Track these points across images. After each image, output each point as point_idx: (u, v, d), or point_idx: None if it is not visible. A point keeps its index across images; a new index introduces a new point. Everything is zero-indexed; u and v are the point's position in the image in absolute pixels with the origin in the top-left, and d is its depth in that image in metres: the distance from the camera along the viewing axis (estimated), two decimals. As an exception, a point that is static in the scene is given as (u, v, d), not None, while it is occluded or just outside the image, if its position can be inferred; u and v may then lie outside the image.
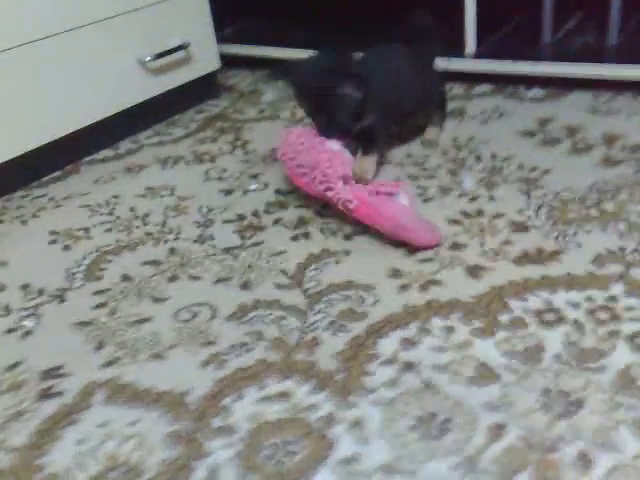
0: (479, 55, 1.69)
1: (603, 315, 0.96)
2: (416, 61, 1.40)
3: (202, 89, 1.87)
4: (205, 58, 1.80)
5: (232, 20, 2.13)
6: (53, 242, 1.33)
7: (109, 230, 1.35)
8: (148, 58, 1.65)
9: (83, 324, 1.10)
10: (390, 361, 0.94)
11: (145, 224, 1.35)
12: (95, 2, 1.55)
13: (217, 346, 1.01)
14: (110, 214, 1.40)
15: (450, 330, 0.98)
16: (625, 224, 1.14)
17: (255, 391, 0.92)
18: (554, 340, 0.93)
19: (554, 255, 1.10)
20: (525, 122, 1.53)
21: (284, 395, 0.91)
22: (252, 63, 2.05)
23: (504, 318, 0.98)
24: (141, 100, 1.69)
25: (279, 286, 1.12)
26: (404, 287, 1.07)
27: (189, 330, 1.05)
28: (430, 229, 1.16)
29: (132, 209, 1.41)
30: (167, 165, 1.57)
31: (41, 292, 1.19)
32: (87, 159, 1.65)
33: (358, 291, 1.08)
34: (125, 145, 1.70)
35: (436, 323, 0.99)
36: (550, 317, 0.97)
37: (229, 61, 1.99)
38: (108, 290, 1.17)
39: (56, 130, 1.54)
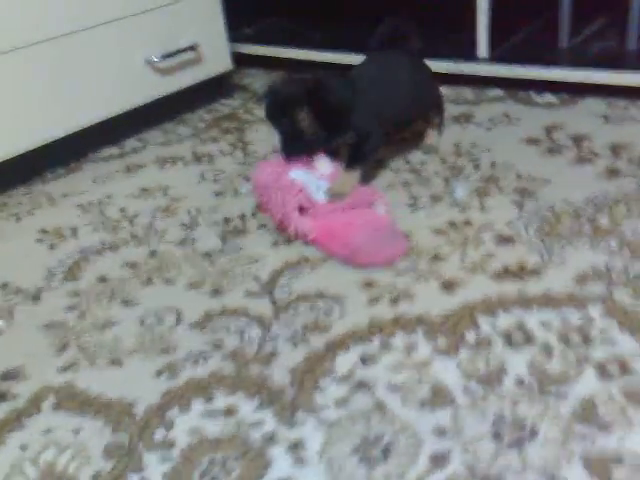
0: (492, 59, 1.62)
1: (575, 338, 0.90)
2: (411, 67, 1.35)
3: (215, 89, 1.85)
4: (217, 59, 1.79)
5: (253, 19, 2.11)
6: (40, 241, 1.33)
7: (96, 230, 1.34)
8: (155, 58, 1.64)
9: (52, 325, 1.09)
10: (345, 378, 0.89)
11: (132, 225, 1.33)
12: (105, 3, 1.55)
13: (174, 354, 0.98)
14: (101, 213, 1.39)
15: (412, 347, 0.93)
16: (617, 241, 1.07)
17: (201, 404, 0.89)
18: (518, 363, 0.88)
19: (535, 271, 1.04)
20: (532, 129, 1.46)
21: (230, 410, 0.88)
22: (269, 63, 2.02)
23: (471, 337, 0.93)
24: (149, 99, 1.68)
25: (249, 294, 1.09)
26: (374, 300, 1.03)
27: (151, 336, 1.03)
28: (392, 244, 1.12)
29: (122, 209, 1.39)
30: (165, 165, 1.56)
31: (18, 291, 1.18)
32: (92, 157, 1.65)
33: (327, 302, 1.04)
34: (131, 144, 1.69)
35: (399, 339, 0.95)
36: (519, 338, 0.92)
37: (246, 60, 1.97)
38: (83, 292, 1.16)
39: (62, 127, 1.55)
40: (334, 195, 1.21)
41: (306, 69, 1.87)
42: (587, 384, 0.83)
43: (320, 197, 1.21)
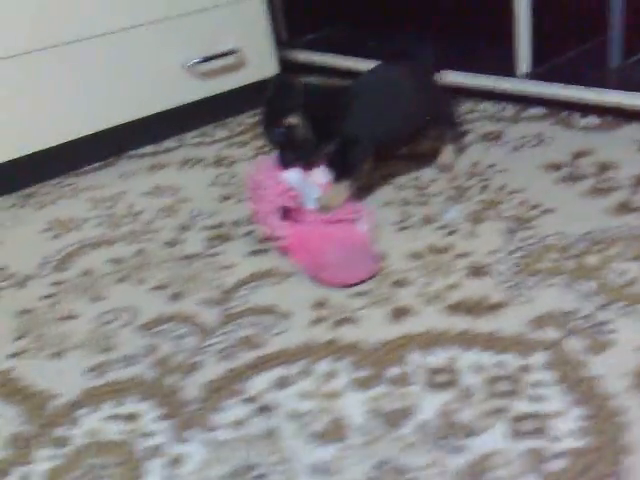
0: (533, 76, 1.51)
1: (502, 387, 0.82)
2: (416, 80, 1.28)
3: (262, 93, 1.84)
4: (261, 63, 1.78)
5: (318, 26, 2.09)
6: (47, 230, 1.37)
7: (100, 224, 1.36)
8: (193, 62, 1.65)
9: (24, 313, 1.12)
10: (250, 400, 0.86)
11: (133, 222, 1.35)
12: (144, 6, 1.58)
13: (112, 354, 0.99)
14: (109, 208, 1.42)
15: (331, 376, 0.88)
16: (598, 283, 0.97)
17: (110, 407, 0.88)
18: (430, 406, 0.81)
19: (495, 308, 0.95)
20: (560, 153, 1.35)
21: (132, 417, 0.86)
22: (326, 71, 1.99)
23: (394, 371, 0.87)
24: (187, 101, 1.70)
25: (206, 301, 1.07)
26: (318, 321, 0.98)
27: (99, 334, 1.04)
28: (360, 266, 1.07)
29: (131, 206, 1.42)
30: (185, 166, 1.57)
31: (10, 276, 1.22)
32: (130, 154, 1.69)
33: (272, 318, 1.01)
34: (168, 144, 1.72)
35: (323, 365, 0.90)
36: (442, 378, 0.84)
37: (302, 68, 1.96)
38: (64, 283, 1.18)
39: (100, 122, 1.60)
40: (322, 207, 1.17)
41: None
42: (491, 441, 0.75)
43: (311, 204, 1.17)
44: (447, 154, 1.36)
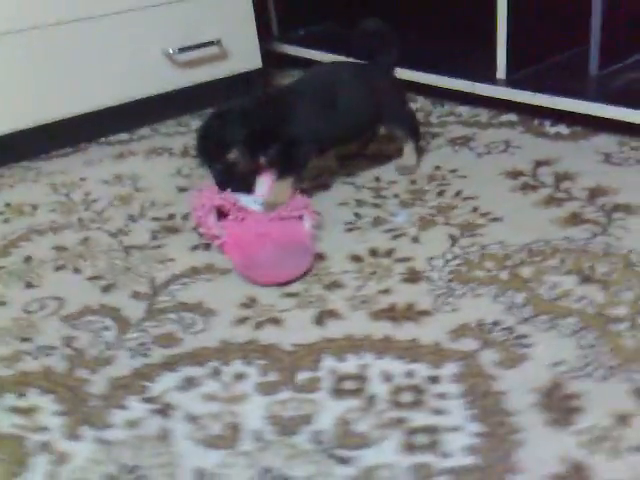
0: (510, 82, 1.48)
1: (406, 397, 0.79)
2: (365, 80, 1.26)
3: (243, 86, 1.82)
4: (244, 56, 1.76)
5: (310, 22, 2.06)
6: (0, 214, 1.35)
7: (53, 210, 1.35)
8: (173, 50, 1.63)
9: (-46, 297, 1.10)
10: (151, 399, 0.84)
11: (86, 210, 1.33)
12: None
13: (29, 344, 0.97)
14: (66, 195, 1.40)
15: (239, 379, 0.85)
16: (526, 296, 0.93)
17: (13, 399, 0.87)
18: (329, 414, 0.78)
19: (419, 315, 0.92)
20: (522, 161, 1.31)
21: (30, 411, 0.84)
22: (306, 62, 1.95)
23: (303, 377, 0.84)
24: (166, 90, 1.68)
25: (135, 295, 1.05)
26: (241, 320, 0.96)
27: (22, 322, 1.02)
28: (294, 264, 1.04)
29: (87, 193, 1.40)
30: (152, 155, 1.55)
31: (-49, 261, 1.21)
32: (103, 140, 1.67)
33: (197, 315, 0.98)
34: (143, 132, 1.70)
35: (234, 367, 0.87)
36: (349, 385, 0.82)
37: (292, 62, 1.93)
38: (2, 268, 1.17)
39: (73, 107, 1.58)
40: (267, 205, 1.15)
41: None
42: (382, 453, 0.72)
43: (256, 207, 1.15)
44: (408, 156, 1.32)
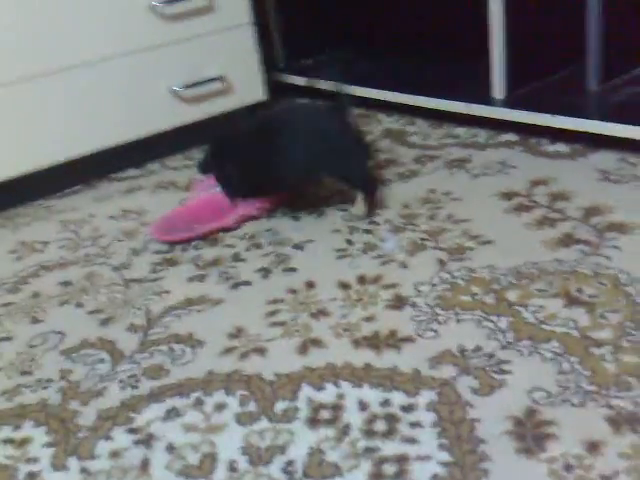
0: (507, 102, 1.48)
1: (379, 426, 0.80)
2: (308, 124, 1.26)
3: (249, 117, 1.85)
4: (248, 89, 1.79)
5: (316, 51, 2.09)
6: (13, 251, 1.40)
7: (62, 247, 1.39)
8: (177, 88, 1.68)
9: (-34, 333, 1.14)
10: (136, 430, 0.86)
11: (92, 245, 1.37)
12: (133, 33, 1.61)
13: (28, 377, 1.01)
14: (74, 232, 1.44)
15: (220, 409, 0.88)
16: (510, 321, 0.93)
17: (9, 431, 0.90)
18: (303, 444, 0.79)
19: (401, 342, 0.93)
20: (518, 181, 1.31)
21: (23, 442, 0.88)
22: (322, 95, 1.98)
23: (281, 406, 0.86)
24: (174, 126, 1.72)
25: (131, 327, 1.08)
26: (229, 350, 0.98)
27: (25, 356, 1.06)
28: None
29: (95, 229, 1.44)
30: (159, 190, 1.59)
31: (-35, 297, 1.26)
32: (113, 176, 1.72)
33: (186, 346, 1.01)
34: (152, 167, 1.74)
35: (216, 397, 0.89)
36: (325, 415, 0.83)
37: (299, 91, 1.96)
38: (12, 304, 1.21)
39: (85, 146, 1.62)
40: None
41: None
42: (350, 482, 0.73)
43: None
44: (358, 206, 1.30)
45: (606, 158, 1.34)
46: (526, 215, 1.19)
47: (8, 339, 1.11)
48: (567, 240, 1.09)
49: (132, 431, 0.86)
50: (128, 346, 1.03)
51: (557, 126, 1.38)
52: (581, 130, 1.36)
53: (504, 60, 1.48)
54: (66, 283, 1.25)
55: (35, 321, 1.15)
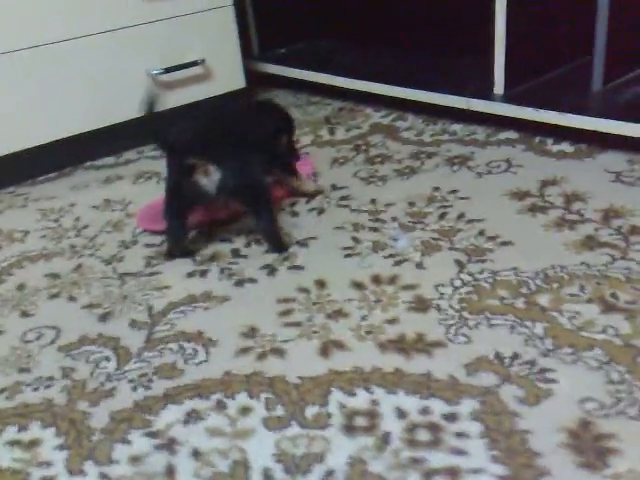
0: (508, 98, 1.45)
1: (423, 436, 0.75)
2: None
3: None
4: (228, 76, 1.73)
5: (291, 40, 2.03)
6: (-11, 241, 1.31)
7: (44, 237, 1.31)
8: (156, 71, 1.60)
9: (-50, 325, 1.06)
10: (156, 434, 0.80)
11: (77, 236, 1.29)
12: (109, 12, 1.53)
13: (27, 374, 0.94)
14: (56, 221, 1.36)
15: (245, 412, 0.82)
16: (545, 327, 0.90)
17: (14, 432, 0.83)
18: (343, 453, 0.74)
19: (431, 347, 0.89)
20: (527, 181, 1.28)
21: (32, 444, 0.81)
22: (298, 85, 1.93)
23: (311, 411, 0.80)
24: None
25: (134, 323, 1.01)
26: (244, 350, 0.92)
27: (20, 352, 0.99)
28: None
29: (77, 219, 1.36)
30: (140, 180, 1.51)
31: (-58, 289, 1.16)
32: (88, 164, 1.63)
33: (197, 345, 0.94)
34: (129, 155, 1.66)
35: (239, 400, 0.84)
36: (361, 422, 0.78)
37: (275, 80, 1.91)
38: (-3, 297, 1.12)
39: (59, 131, 1.54)
40: None
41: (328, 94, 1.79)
42: (400, 495, 0.68)
43: None
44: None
45: (615, 159, 1.32)
46: (542, 216, 1.16)
47: (-1, 333, 1.03)
48: (590, 243, 1.07)
49: (151, 435, 0.80)
50: (132, 344, 0.97)
51: (564, 124, 1.35)
52: (587, 128, 1.33)
53: (506, 54, 1.44)
54: (53, 275, 1.17)
55: (25, 315, 1.07)
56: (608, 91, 1.44)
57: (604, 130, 1.31)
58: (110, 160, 1.63)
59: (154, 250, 1.21)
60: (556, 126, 1.38)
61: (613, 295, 0.94)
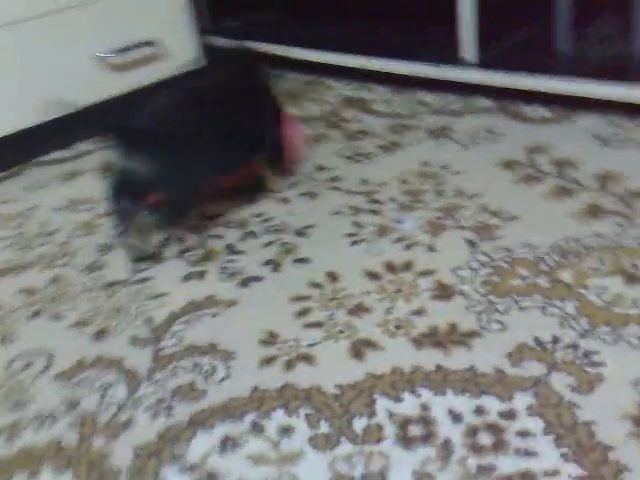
0: (481, 64, 1.40)
1: (484, 439, 0.71)
2: None
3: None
4: (184, 54, 1.62)
5: (241, 12, 1.93)
6: (-54, 254, 1.19)
7: (8, 247, 1.20)
8: (105, 54, 1.48)
9: None
10: (193, 468, 0.72)
11: (47, 243, 1.19)
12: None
13: (25, 411, 0.84)
14: (19, 227, 1.25)
15: (286, 432, 0.75)
16: (576, 305, 0.86)
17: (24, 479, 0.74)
18: (405, 468, 0.69)
19: (466, 338, 0.84)
20: (514, 150, 1.25)
21: (48, 496, 0.72)
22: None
23: (359, 424, 0.75)
24: (103, 98, 1.52)
25: (134, 340, 0.93)
26: (269, 360, 0.86)
27: (11, 385, 0.89)
28: None
29: (43, 224, 1.25)
30: (104, 174, 1.40)
31: None
32: (36, 161, 1.50)
33: (214, 359, 0.87)
34: (84, 147, 1.54)
35: (276, 420, 0.77)
36: (416, 431, 0.73)
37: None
38: (-35, 321, 1.01)
39: (3, 126, 1.41)
40: None
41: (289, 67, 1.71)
42: (480, 509, 0.64)
43: None
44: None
45: (594, 121, 1.30)
46: (539, 186, 1.13)
47: (-22, 365, 0.93)
48: (595, 211, 1.04)
49: (187, 469, 0.73)
50: (139, 364, 0.89)
51: (543, 90, 1.32)
52: (564, 93, 1.30)
53: (475, 16, 1.38)
54: (28, 291, 1.07)
55: (6, 340, 0.97)
56: (576, 50, 1.40)
57: (583, 91, 1.28)
58: (64, 154, 1.51)
59: (137, 254, 1.12)
60: (532, 90, 1.34)
61: (634, 266, 0.92)
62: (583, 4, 1.39)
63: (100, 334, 0.95)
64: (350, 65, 1.58)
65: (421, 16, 1.62)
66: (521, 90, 1.36)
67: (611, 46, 1.39)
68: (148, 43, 1.54)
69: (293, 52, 1.65)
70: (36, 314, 1.02)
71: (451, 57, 1.43)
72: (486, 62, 1.40)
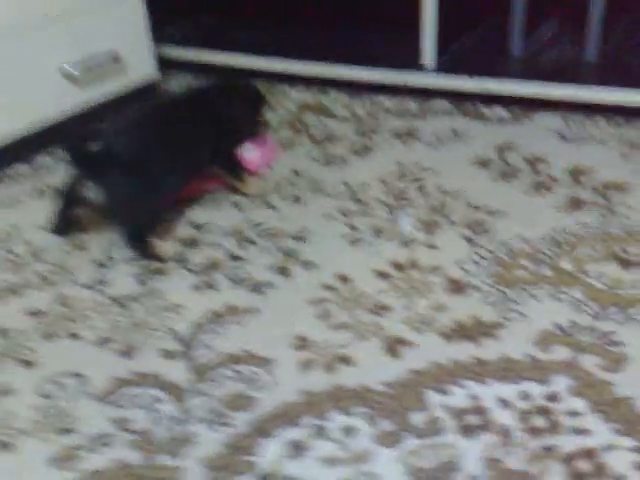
0: (439, 68, 1.47)
1: (538, 421, 0.78)
2: None
3: (144, 98, 1.67)
4: (141, 68, 1.61)
5: (172, 19, 1.91)
6: None
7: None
8: (69, 67, 1.45)
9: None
10: (268, 477, 0.75)
11: (38, 261, 1.16)
12: (7, 7, 1.35)
13: (75, 435, 0.84)
14: (3, 249, 1.21)
15: (350, 432, 0.79)
16: (582, 290, 0.95)
17: (97, 511, 0.74)
18: (473, 455, 0.75)
19: (491, 329, 0.91)
20: (483, 148, 1.33)
21: (133, 518, 0.73)
22: (196, 67, 1.82)
23: (417, 419, 0.80)
24: (64, 113, 1.49)
25: (165, 353, 0.94)
26: (307, 364, 0.89)
27: (48, 410, 0.87)
28: None
29: (28, 242, 1.22)
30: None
31: None
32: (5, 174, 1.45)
33: (252, 366, 0.90)
34: (43, 161, 1.49)
35: (336, 420, 0.81)
36: (473, 420, 0.79)
37: (169, 63, 1.79)
38: (-26, 348, 0.99)
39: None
40: None
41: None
42: (554, 486, 0.71)
43: None
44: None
45: (550, 119, 1.40)
46: (517, 182, 1.21)
47: (6, 392, 0.91)
48: (577, 203, 1.13)
49: (265, 477, 0.76)
50: (178, 376, 0.91)
51: (505, 94, 1.40)
52: (520, 95, 1.40)
53: (436, 23, 1.45)
54: (35, 312, 1.05)
55: (29, 364, 0.96)
56: (530, 52, 1.49)
57: (541, 92, 1.36)
58: (25, 169, 1.47)
59: (138, 265, 1.12)
60: (490, 93, 1.42)
61: (624, 251, 1.01)
62: (537, 8, 1.48)
63: (128, 351, 0.96)
64: (312, 74, 1.60)
65: (383, 24, 1.68)
66: (478, 93, 1.43)
67: (564, 49, 1.50)
68: (110, 56, 1.51)
69: (249, 61, 1.65)
70: (51, 335, 1.00)
71: (412, 63, 1.49)
72: (444, 67, 1.47)
